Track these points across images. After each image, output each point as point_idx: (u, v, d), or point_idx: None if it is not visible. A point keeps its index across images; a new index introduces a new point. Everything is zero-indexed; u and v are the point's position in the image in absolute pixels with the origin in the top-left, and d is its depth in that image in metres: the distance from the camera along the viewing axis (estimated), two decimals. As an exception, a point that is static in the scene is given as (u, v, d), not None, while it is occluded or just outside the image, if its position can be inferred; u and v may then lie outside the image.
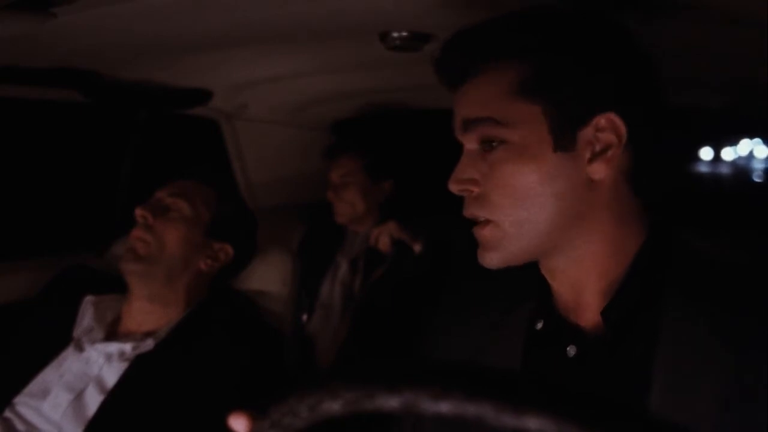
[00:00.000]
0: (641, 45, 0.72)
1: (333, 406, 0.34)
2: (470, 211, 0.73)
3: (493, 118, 0.69)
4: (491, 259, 0.72)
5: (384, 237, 1.94)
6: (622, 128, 0.67)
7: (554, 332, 0.74)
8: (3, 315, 1.46)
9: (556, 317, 0.74)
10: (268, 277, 1.51)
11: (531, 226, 0.69)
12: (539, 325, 0.75)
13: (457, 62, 0.74)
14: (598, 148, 0.68)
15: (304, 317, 2.00)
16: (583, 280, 0.72)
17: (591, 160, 0.68)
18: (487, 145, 0.71)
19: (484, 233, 0.72)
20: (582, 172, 0.68)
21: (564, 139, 0.68)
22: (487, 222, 0.71)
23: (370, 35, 1.22)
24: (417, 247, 1.86)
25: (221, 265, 1.37)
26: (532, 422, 0.30)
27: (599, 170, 0.68)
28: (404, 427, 0.83)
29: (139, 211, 1.29)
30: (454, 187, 0.73)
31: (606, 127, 0.68)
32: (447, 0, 1.00)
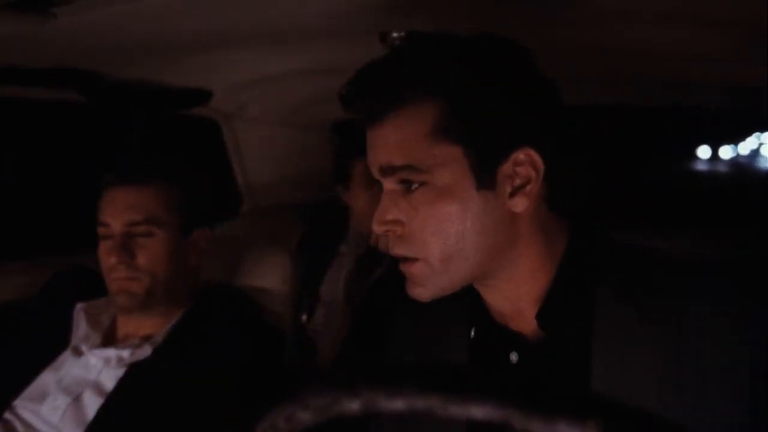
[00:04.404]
0: (538, 68, 0.72)
1: (305, 416, 0.36)
2: (397, 251, 0.72)
3: (411, 165, 0.68)
4: (421, 294, 0.73)
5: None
6: (540, 162, 0.68)
7: (493, 340, 0.76)
8: (1, 315, 1.46)
9: (493, 325, 0.76)
10: (268, 276, 1.51)
11: (459, 261, 0.70)
12: (472, 334, 0.78)
13: (370, 102, 0.71)
14: (517, 182, 0.69)
15: (303, 317, 2.00)
16: (517, 292, 0.73)
17: (512, 195, 0.69)
18: (408, 185, 0.70)
19: (412, 270, 0.72)
20: (504, 207, 0.69)
21: (485, 177, 0.68)
22: (416, 260, 0.71)
23: (370, 35, 1.22)
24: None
25: (206, 246, 1.33)
26: (477, 411, 0.32)
27: (520, 203, 0.69)
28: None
29: (113, 259, 1.20)
30: (378, 229, 0.72)
31: (524, 161, 0.68)
32: (447, 0, 1.00)
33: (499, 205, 0.69)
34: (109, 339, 1.28)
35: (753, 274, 0.69)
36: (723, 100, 1.79)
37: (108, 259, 1.21)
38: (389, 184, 0.72)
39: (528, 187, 0.69)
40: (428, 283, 0.72)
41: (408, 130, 0.69)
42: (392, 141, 0.70)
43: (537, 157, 0.68)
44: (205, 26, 1.15)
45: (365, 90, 0.71)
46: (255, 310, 1.40)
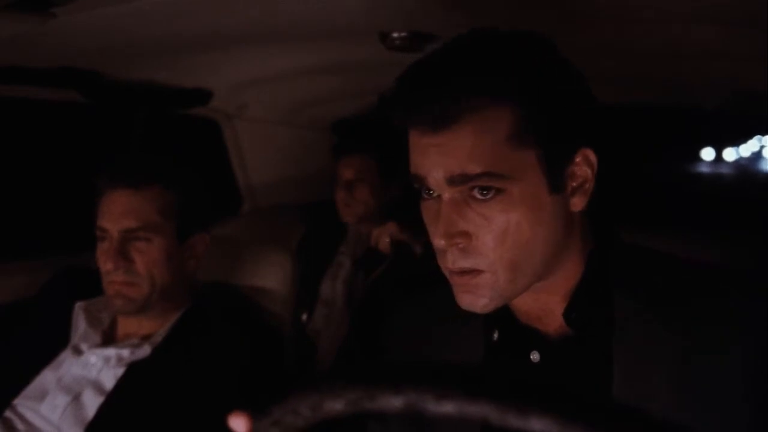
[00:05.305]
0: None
1: (335, 406, 0.34)
2: (462, 263, 0.67)
3: (491, 173, 0.64)
4: (485, 306, 0.68)
5: (384, 238, 1.94)
6: (595, 159, 0.69)
7: (514, 341, 0.75)
8: (1, 315, 1.46)
9: (516, 326, 0.75)
10: (268, 276, 1.51)
11: (525, 269, 0.68)
12: (495, 336, 0.76)
13: (440, 107, 0.64)
14: (576, 182, 0.69)
15: (304, 317, 2.00)
16: (550, 292, 0.73)
17: (572, 195, 0.69)
18: (479, 193, 0.65)
19: (476, 282, 0.67)
20: (567, 208, 0.69)
21: (558, 180, 0.67)
22: (480, 271, 0.67)
23: (370, 35, 1.22)
24: (418, 249, 1.86)
25: (204, 251, 1.33)
26: (536, 423, 0.30)
27: (579, 203, 0.69)
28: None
29: (110, 265, 1.20)
30: (444, 243, 0.66)
31: (581, 162, 0.68)
32: (447, 1, 1.00)
33: (563, 206, 0.69)
34: (108, 338, 1.28)
35: (764, 279, 0.69)
36: (724, 101, 1.79)
37: (105, 263, 1.21)
38: (453, 193, 0.66)
39: (587, 185, 0.69)
40: (493, 294, 0.68)
41: (486, 135, 0.64)
42: (463, 148, 0.64)
43: (592, 155, 0.68)
44: (206, 26, 1.15)
45: (434, 94, 0.65)
46: (255, 310, 1.40)
